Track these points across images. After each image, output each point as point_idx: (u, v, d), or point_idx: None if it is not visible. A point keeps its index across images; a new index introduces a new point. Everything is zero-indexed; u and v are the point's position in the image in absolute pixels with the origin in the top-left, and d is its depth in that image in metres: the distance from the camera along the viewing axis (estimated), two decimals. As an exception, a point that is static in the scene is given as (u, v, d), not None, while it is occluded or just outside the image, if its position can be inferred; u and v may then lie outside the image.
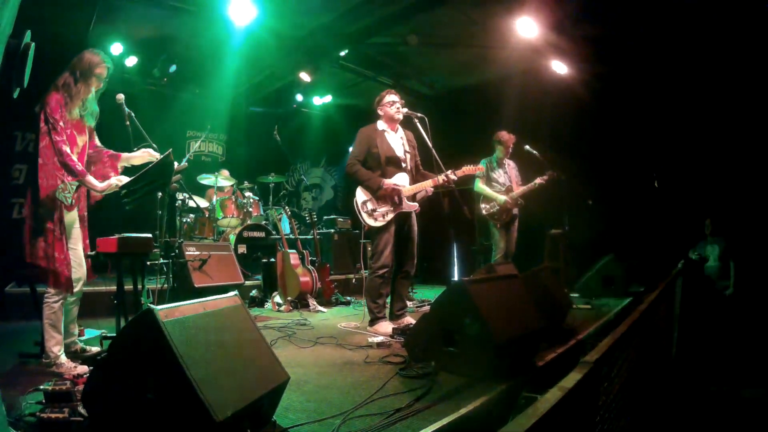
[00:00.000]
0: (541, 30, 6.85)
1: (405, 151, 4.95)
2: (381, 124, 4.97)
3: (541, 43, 7.14)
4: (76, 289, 3.43)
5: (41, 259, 3.21)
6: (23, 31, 2.09)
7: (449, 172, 4.71)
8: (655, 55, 7.21)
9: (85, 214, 3.68)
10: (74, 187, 3.42)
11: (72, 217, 3.48)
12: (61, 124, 3.29)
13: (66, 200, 3.34)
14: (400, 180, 4.80)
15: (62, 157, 3.25)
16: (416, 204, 4.86)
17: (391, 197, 4.75)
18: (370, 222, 4.74)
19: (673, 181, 7.67)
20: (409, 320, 4.72)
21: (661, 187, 7.71)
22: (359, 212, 4.79)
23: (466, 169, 4.84)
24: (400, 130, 5.05)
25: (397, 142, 4.94)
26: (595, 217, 7.95)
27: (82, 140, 3.54)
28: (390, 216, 4.71)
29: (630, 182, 7.90)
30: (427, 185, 4.84)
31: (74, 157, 3.32)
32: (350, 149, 4.92)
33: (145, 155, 3.72)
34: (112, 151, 3.75)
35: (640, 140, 7.71)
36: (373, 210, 4.73)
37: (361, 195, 4.82)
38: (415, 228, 4.95)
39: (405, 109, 4.91)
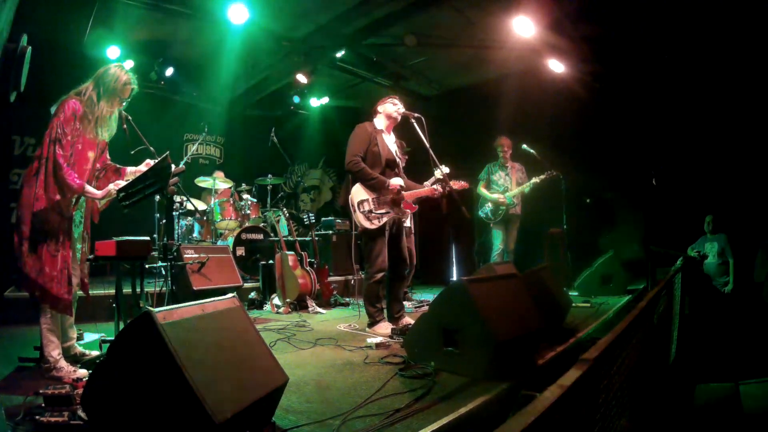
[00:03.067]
0: (539, 29, 6.86)
1: (397, 155, 4.96)
2: (379, 123, 4.95)
3: (539, 43, 7.15)
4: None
5: (32, 271, 3.14)
6: (20, 35, 2.09)
7: (438, 184, 4.78)
8: (654, 54, 7.22)
9: (89, 232, 3.67)
10: (74, 199, 3.39)
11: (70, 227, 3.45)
12: (69, 138, 3.23)
13: (66, 212, 3.29)
14: (397, 183, 4.76)
15: (61, 172, 3.17)
16: (409, 211, 4.89)
17: (392, 200, 4.70)
18: (365, 224, 4.61)
19: (672, 178, 7.67)
20: (408, 321, 4.72)
21: (660, 185, 7.72)
22: (354, 211, 4.66)
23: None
24: (393, 133, 5.07)
25: (392, 145, 4.96)
26: (593, 215, 7.98)
27: (92, 155, 3.49)
28: (384, 219, 4.64)
29: (629, 180, 7.90)
30: (422, 193, 4.85)
31: (73, 172, 3.24)
32: (349, 145, 4.78)
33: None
34: (116, 165, 3.73)
35: (639, 138, 7.71)
36: (370, 211, 4.62)
37: (359, 194, 4.69)
38: (404, 230, 4.94)
39: (402, 110, 4.92)
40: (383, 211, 4.65)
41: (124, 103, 3.57)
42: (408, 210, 4.87)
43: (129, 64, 7.77)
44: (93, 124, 3.40)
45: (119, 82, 3.46)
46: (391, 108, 4.90)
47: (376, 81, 9.44)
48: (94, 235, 3.68)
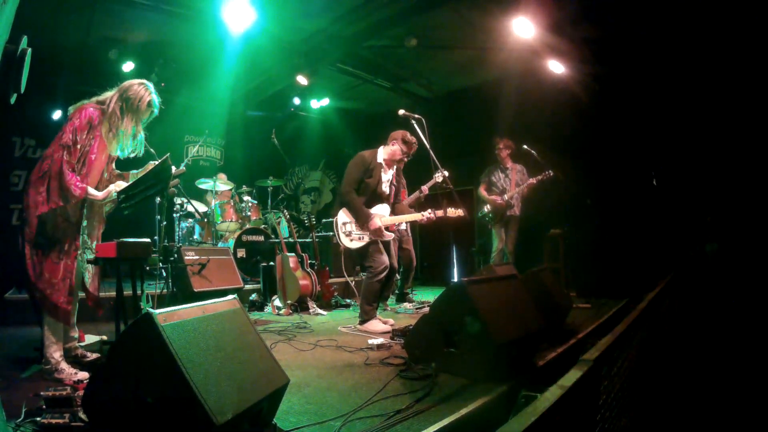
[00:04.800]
0: (539, 31, 6.86)
1: (391, 184, 5.28)
2: (380, 156, 5.19)
3: (539, 44, 7.16)
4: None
5: (33, 274, 3.11)
6: (20, 36, 2.09)
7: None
8: (654, 55, 7.22)
9: (100, 239, 3.66)
10: (80, 204, 3.38)
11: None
12: (78, 146, 3.21)
13: (72, 217, 3.27)
14: (381, 210, 5.13)
15: (64, 177, 3.14)
16: (392, 234, 5.19)
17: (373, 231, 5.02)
18: (346, 242, 5.08)
19: (672, 180, 7.67)
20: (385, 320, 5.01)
21: (660, 186, 7.71)
22: (337, 232, 5.14)
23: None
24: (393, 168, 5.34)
25: (387, 178, 5.25)
26: (594, 216, 7.97)
27: (102, 163, 3.50)
28: (366, 239, 5.02)
29: (629, 181, 7.90)
30: (406, 219, 5.26)
31: (77, 178, 3.20)
32: (346, 173, 5.16)
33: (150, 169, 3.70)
34: (119, 171, 3.72)
35: (639, 140, 7.71)
36: (350, 232, 5.05)
37: (343, 217, 5.13)
38: (395, 237, 5.35)
39: (402, 111, 5.06)
40: (365, 233, 5.03)
41: (142, 124, 3.55)
42: (392, 234, 5.20)
43: (129, 66, 7.79)
44: (114, 137, 3.39)
45: (142, 103, 3.44)
46: (399, 154, 5.16)
47: (376, 83, 9.45)
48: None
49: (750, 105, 6.76)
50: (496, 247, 7.25)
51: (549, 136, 7.87)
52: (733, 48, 6.58)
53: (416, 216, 5.08)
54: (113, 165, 3.69)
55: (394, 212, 5.25)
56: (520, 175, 7.25)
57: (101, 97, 3.42)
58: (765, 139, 6.68)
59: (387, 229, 5.08)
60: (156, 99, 3.54)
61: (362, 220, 5.01)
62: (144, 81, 3.54)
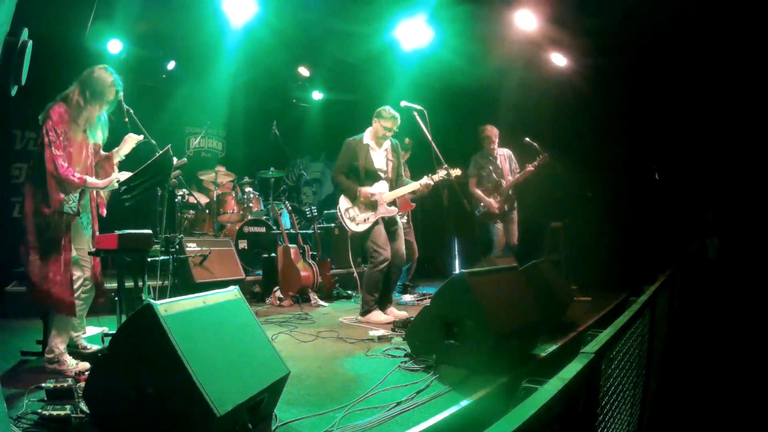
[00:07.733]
0: (541, 23, 6.83)
1: (388, 160, 5.27)
2: (367, 138, 5.21)
3: (541, 37, 7.12)
4: (77, 285, 3.42)
5: (37, 278, 3.11)
6: (21, 28, 2.08)
7: (426, 177, 5.08)
8: (656, 49, 7.19)
9: (97, 230, 3.67)
10: (77, 195, 3.38)
11: (77, 223, 3.44)
12: (61, 139, 3.21)
13: (71, 210, 3.28)
14: (379, 187, 5.12)
15: (61, 171, 3.15)
16: (395, 208, 5.16)
17: (371, 204, 5.04)
18: (352, 227, 5.10)
19: (673, 174, 7.65)
20: (398, 314, 5.03)
21: (662, 180, 7.69)
22: (342, 219, 5.17)
23: (451, 172, 5.05)
24: (386, 142, 5.28)
25: (381, 155, 5.25)
26: (594, 209, 7.96)
27: (83, 157, 3.48)
28: (372, 220, 5.02)
29: (630, 175, 7.88)
30: (405, 190, 5.18)
31: (72, 169, 3.23)
32: (337, 160, 5.29)
33: (129, 141, 3.72)
34: (105, 153, 3.73)
35: (641, 133, 7.69)
36: (354, 216, 5.08)
37: (343, 203, 5.18)
38: (402, 229, 5.31)
39: (404, 102, 5.06)
40: (366, 214, 5.05)
41: (110, 106, 3.56)
42: (395, 208, 5.18)
43: (130, 57, 7.75)
44: (82, 128, 3.41)
45: (105, 84, 3.45)
46: (381, 130, 5.14)
47: (378, 73, 9.39)
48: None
49: (752, 100, 6.73)
50: (499, 244, 6.80)
51: (551, 128, 7.84)
52: (735, 43, 6.55)
53: (414, 185, 5.12)
54: (99, 151, 3.70)
55: (395, 188, 5.25)
56: (511, 163, 6.88)
57: (65, 94, 3.40)
58: (766, 134, 6.66)
59: (391, 204, 5.14)
60: (116, 78, 3.53)
61: (351, 196, 5.10)
62: (103, 65, 3.53)
